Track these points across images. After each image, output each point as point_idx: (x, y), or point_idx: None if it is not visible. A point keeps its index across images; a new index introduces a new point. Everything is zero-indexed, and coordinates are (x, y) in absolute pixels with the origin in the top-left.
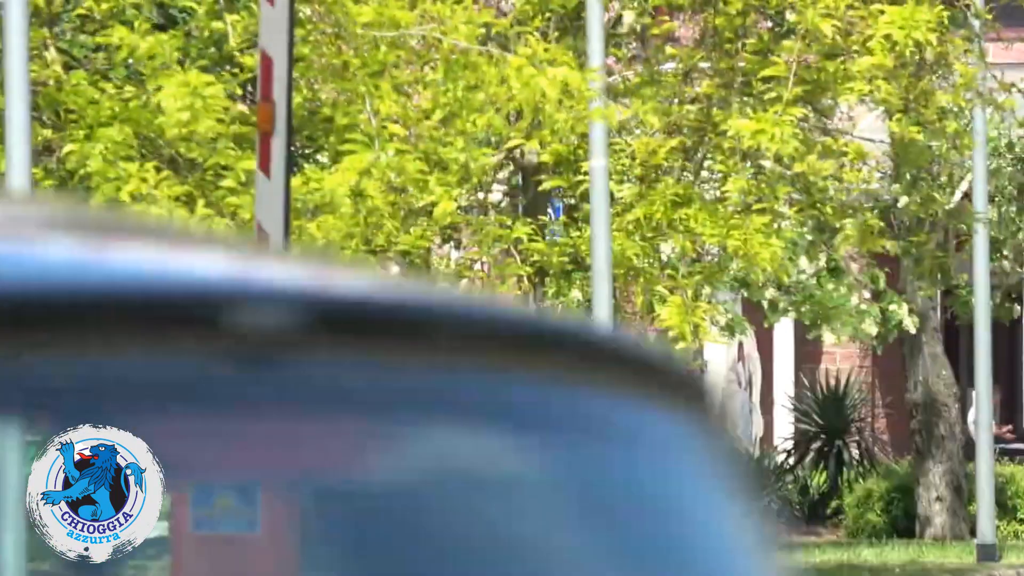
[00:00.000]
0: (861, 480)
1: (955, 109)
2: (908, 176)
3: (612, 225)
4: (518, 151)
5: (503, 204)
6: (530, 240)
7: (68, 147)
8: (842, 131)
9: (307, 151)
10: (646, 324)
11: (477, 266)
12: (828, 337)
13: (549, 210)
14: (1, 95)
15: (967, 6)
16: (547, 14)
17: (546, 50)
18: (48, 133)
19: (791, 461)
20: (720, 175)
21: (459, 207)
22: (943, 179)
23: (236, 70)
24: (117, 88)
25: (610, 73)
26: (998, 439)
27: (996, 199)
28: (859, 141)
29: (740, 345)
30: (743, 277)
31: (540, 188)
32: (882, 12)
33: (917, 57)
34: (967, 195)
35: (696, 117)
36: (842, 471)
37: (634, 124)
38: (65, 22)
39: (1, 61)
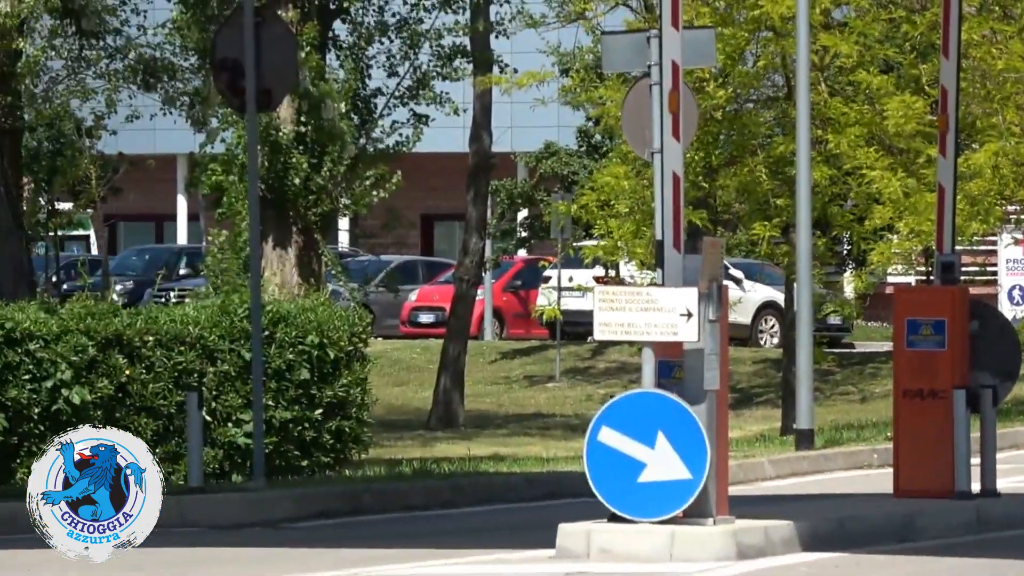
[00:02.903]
0: None
1: None
2: None
3: None
4: None
5: None
6: None
7: (830, 140)
8: None
9: (966, 142)
10: None
11: None
12: None
13: None
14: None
15: None
16: None
17: None
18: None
19: None
20: None
21: None
22: None
23: (928, 95)
24: (859, 105)
25: None
26: None
27: None
28: None
29: None
30: None
31: None
32: None
33: None
34: None
35: None
36: None
37: None
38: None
39: (791, 93)
